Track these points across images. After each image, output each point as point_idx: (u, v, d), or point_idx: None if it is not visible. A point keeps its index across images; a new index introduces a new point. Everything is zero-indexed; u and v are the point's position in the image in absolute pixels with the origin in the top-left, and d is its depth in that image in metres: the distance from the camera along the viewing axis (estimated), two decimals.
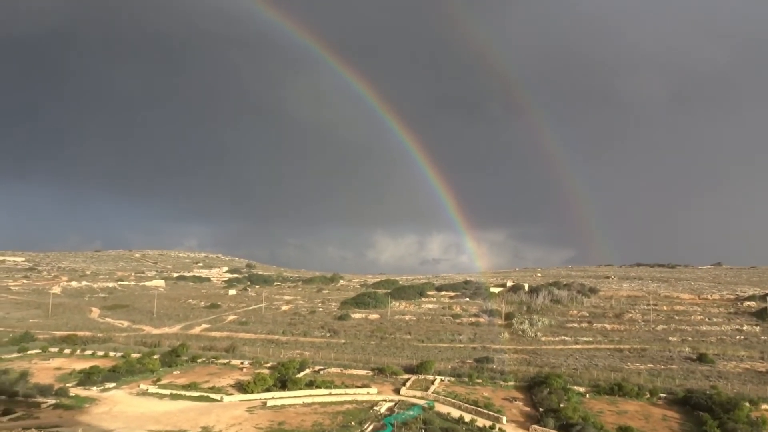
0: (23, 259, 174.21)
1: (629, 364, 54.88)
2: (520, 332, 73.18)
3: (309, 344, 66.85)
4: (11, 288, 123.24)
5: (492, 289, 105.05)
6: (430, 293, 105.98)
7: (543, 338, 69.77)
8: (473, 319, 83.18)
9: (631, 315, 78.28)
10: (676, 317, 76.57)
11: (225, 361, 55.40)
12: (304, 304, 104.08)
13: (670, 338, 67.03)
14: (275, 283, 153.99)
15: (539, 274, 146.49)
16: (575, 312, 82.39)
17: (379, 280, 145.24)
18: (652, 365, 54.45)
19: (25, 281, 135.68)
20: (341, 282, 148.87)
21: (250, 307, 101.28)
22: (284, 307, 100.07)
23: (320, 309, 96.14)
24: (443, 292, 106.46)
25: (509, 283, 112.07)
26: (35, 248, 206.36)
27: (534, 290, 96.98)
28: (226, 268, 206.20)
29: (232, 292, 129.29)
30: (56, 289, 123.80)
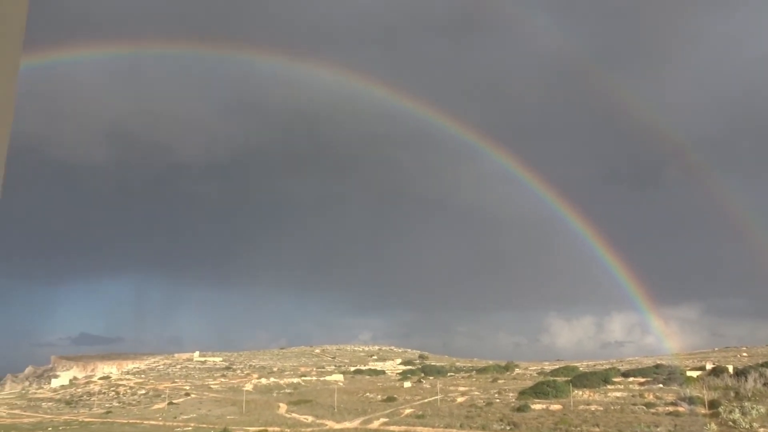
0: (221, 359, 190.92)
1: None
2: (730, 423, 64.09)
3: None
4: (211, 386, 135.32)
5: (689, 374, 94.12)
6: (615, 380, 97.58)
7: (760, 429, 60.40)
8: (670, 408, 74.62)
9: None
10: None
11: None
12: (479, 395, 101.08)
13: None
14: (449, 374, 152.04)
15: (745, 354, 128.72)
16: None
17: (558, 367, 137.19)
18: None
19: (222, 380, 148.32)
20: (516, 370, 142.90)
21: (426, 400, 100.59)
22: (460, 399, 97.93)
23: (497, 400, 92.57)
24: (631, 378, 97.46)
25: (709, 366, 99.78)
26: (230, 348, 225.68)
27: (741, 373, 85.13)
28: (399, 360, 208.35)
29: (407, 384, 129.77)
30: (248, 386, 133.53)
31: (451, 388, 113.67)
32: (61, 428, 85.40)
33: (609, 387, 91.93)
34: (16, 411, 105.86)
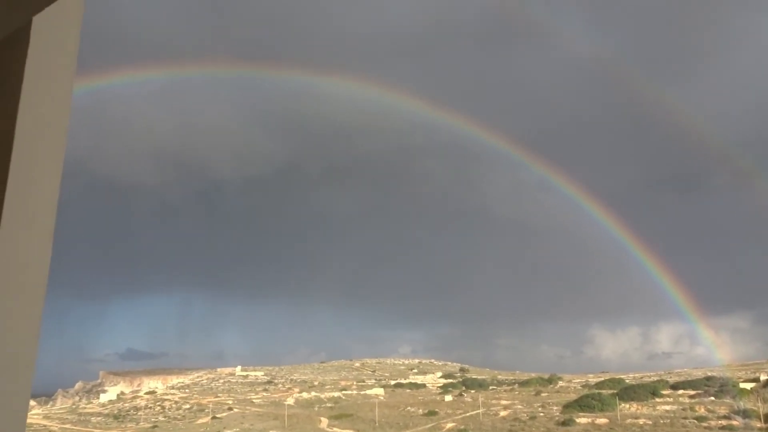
0: (262, 373, 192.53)
1: None
2: None
3: None
4: (254, 401, 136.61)
5: (742, 385, 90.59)
6: (664, 392, 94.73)
7: None
8: (723, 422, 72.05)
9: None
10: None
11: None
12: (522, 408, 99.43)
13: None
14: (490, 387, 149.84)
15: None
16: None
17: (603, 379, 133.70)
18: None
19: (264, 394, 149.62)
20: (560, 383, 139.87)
21: (468, 413, 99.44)
22: (502, 413, 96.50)
23: (541, 414, 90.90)
24: (680, 391, 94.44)
25: (763, 377, 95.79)
26: (271, 362, 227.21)
27: None
28: (440, 374, 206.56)
29: (448, 398, 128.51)
30: (290, 401, 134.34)
31: (494, 401, 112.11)
32: None
33: (657, 400, 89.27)
34: (67, 425, 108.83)
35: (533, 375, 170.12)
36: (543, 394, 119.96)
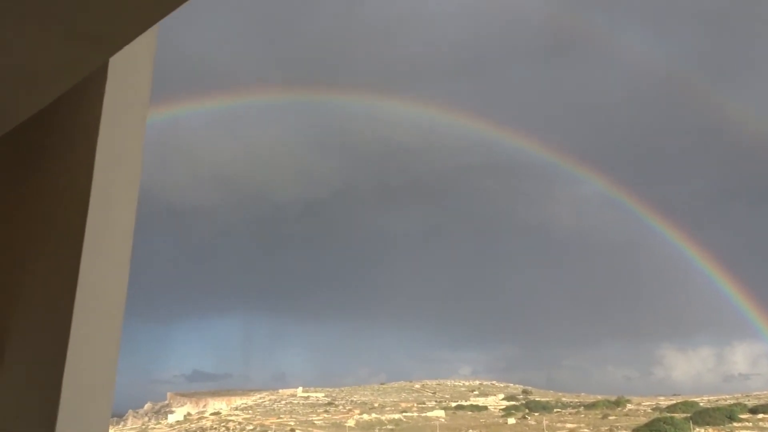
0: (323, 394, 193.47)
1: None
2: None
3: None
4: (315, 422, 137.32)
5: None
6: (742, 416, 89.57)
7: None
8: None
9: None
10: None
11: None
12: None
13: None
14: (554, 410, 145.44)
15: None
16: None
17: (675, 402, 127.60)
18: None
19: (325, 415, 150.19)
20: (629, 406, 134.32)
21: None
22: None
23: None
24: (761, 415, 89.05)
25: None
26: (331, 383, 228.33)
27: None
28: (501, 396, 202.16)
29: (511, 421, 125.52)
30: (351, 422, 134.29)
31: (558, 424, 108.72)
32: None
33: (735, 424, 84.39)
34: None
35: (599, 397, 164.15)
36: (611, 418, 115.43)
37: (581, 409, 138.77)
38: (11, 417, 2.39)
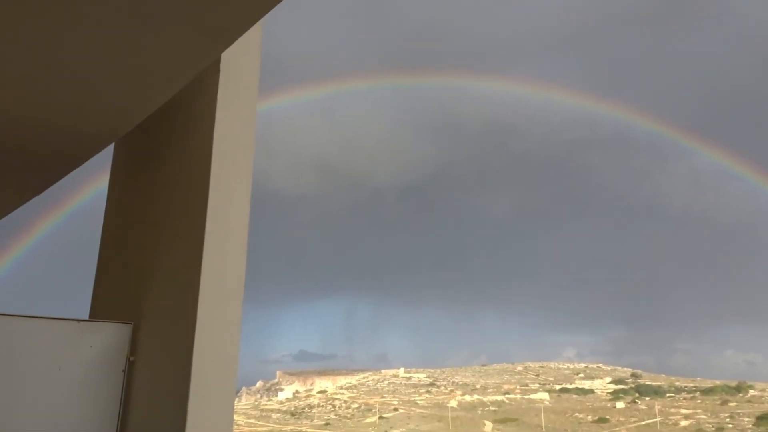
0: (425, 375, 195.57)
1: None
2: None
3: None
4: (417, 402, 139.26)
5: None
6: None
7: None
8: None
9: None
10: None
11: None
12: (707, 419, 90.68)
13: None
14: (667, 395, 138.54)
15: None
16: None
17: None
18: None
19: (427, 395, 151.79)
20: (751, 392, 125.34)
21: (643, 422, 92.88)
22: (683, 423, 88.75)
23: (729, 425, 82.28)
24: None
25: None
26: (432, 365, 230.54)
27: None
28: (609, 379, 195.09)
29: (619, 404, 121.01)
30: (453, 403, 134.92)
31: (672, 410, 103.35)
32: None
33: None
34: (252, 420, 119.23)
35: (717, 382, 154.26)
36: (731, 404, 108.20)
37: (697, 394, 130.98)
38: (149, 387, 2.62)
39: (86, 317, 3.10)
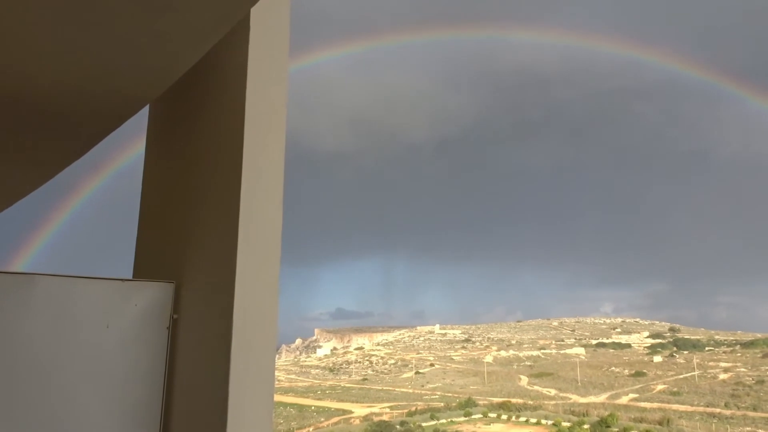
0: (460, 331, 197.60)
1: None
2: None
3: (762, 420, 56.86)
4: (453, 358, 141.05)
5: None
6: None
7: None
8: None
9: None
10: None
11: None
12: (747, 371, 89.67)
13: None
14: (706, 348, 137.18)
15: None
16: None
17: None
18: None
19: (463, 351, 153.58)
20: None
21: (681, 376, 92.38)
22: (722, 376, 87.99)
23: None
24: None
25: None
26: (468, 321, 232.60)
27: None
28: (646, 333, 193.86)
29: (657, 358, 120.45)
30: (488, 358, 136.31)
31: (711, 363, 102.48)
32: (327, 392, 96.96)
33: None
34: (292, 376, 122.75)
35: (759, 335, 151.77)
36: None
37: (737, 347, 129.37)
38: (193, 344, 2.70)
39: (130, 277, 3.18)
